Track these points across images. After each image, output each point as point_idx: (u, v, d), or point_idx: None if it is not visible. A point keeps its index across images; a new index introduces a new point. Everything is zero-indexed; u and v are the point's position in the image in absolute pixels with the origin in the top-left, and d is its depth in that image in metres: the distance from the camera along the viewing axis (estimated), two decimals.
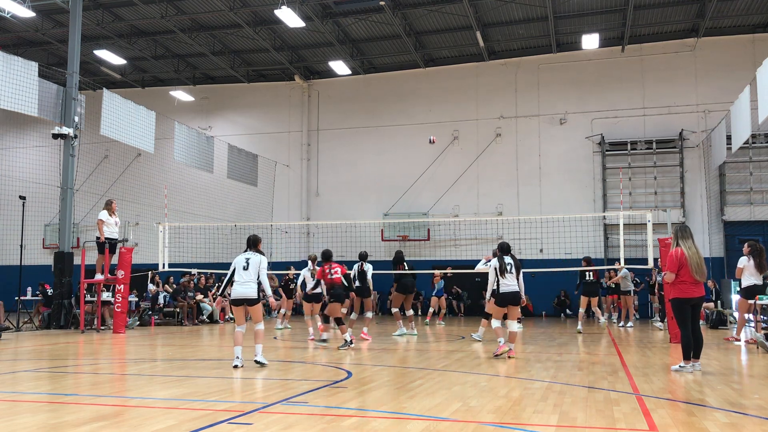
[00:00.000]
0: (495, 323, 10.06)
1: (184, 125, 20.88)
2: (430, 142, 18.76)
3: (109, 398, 6.47)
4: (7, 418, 5.27)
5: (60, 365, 9.15)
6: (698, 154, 22.56)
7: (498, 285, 9.85)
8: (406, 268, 14.20)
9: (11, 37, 23.74)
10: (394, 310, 14.26)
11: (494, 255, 11.78)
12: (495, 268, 9.94)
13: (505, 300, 9.92)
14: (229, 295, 8.82)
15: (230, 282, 8.59)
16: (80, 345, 12.31)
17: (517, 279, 9.94)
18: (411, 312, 14.38)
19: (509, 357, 9.50)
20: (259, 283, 8.49)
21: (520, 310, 12.55)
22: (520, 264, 10.16)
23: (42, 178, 21.31)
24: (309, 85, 26.97)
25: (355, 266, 13.06)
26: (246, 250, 8.67)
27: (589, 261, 15.94)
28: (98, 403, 6.15)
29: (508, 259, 9.97)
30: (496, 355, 9.55)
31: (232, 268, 8.58)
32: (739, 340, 12.06)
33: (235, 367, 8.28)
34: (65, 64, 17.86)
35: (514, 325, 10.08)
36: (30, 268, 18.09)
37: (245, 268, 8.43)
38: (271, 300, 8.76)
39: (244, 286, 8.41)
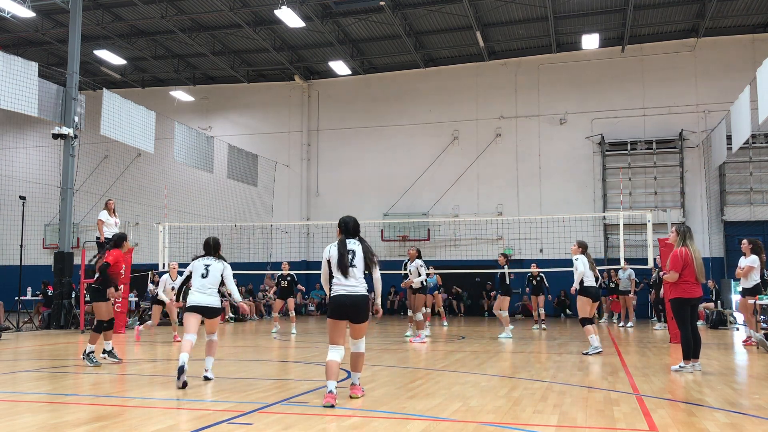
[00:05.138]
0: (331, 351, 6.05)
1: (184, 125, 20.87)
2: (562, 121, 19.51)
3: (109, 398, 6.48)
4: (8, 418, 5.27)
5: (60, 365, 9.15)
6: (698, 154, 22.55)
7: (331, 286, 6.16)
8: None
9: (11, 37, 23.73)
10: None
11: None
12: (327, 261, 6.18)
13: (340, 310, 6.04)
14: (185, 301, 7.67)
15: (183, 288, 7.76)
16: (80, 345, 12.30)
17: (372, 274, 6.23)
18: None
19: (351, 396, 6.15)
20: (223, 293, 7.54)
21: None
22: (373, 253, 6.25)
23: (42, 178, 21.29)
24: (309, 85, 26.96)
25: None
26: (204, 255, 7.64)
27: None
28: (98, 403, 6.16)
29: (353, 244, 6.22)
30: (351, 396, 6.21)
31: (187, 272, 7.65)
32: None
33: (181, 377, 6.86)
34: (65, 64, 17.87)
35: (360, 344, 6.28)
36: (30, 268, 18.10)
37: (204, 276, 7.46)
38: (242, 305, 7.79)
39: (204, 294, 7.39)
